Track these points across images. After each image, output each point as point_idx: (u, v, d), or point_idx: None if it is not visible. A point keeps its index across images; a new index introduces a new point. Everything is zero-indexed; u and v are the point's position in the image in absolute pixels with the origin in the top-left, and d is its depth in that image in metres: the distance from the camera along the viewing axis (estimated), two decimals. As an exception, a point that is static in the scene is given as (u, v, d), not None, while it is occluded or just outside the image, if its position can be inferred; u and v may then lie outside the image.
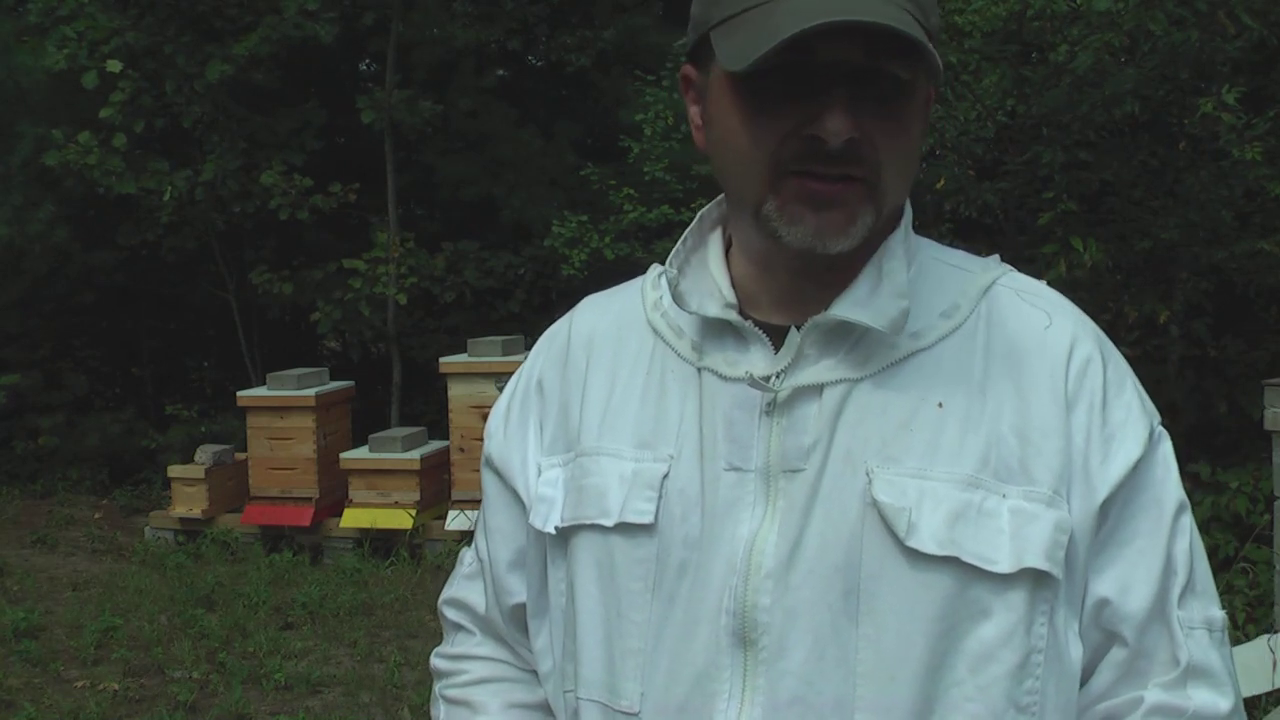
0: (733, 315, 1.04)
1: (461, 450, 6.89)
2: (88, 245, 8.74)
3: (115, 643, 5.33)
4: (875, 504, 0.96)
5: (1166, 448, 1.04)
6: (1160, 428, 1.05)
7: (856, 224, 0.97)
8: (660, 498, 1.02)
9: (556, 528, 1.08)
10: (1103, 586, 1.00)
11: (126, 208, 8.53)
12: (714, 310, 1.05)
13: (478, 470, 5.95)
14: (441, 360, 7.01)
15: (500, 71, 9.70)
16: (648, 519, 1.02)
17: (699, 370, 1.05)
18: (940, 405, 0.98)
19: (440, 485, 7.10)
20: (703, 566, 1.00)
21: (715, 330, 1.06)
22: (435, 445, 7.15)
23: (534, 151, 8.95)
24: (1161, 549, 1.01)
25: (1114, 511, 1.00)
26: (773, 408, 1.00)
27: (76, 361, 9.58)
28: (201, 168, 8.26)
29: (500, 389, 6.99)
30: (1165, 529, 1.01)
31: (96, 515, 7.98)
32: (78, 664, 5.13)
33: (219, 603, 5.90)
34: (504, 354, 6.84)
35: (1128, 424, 1.01)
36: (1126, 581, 1.00)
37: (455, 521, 6.78)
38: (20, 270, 8.56)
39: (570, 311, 1.22)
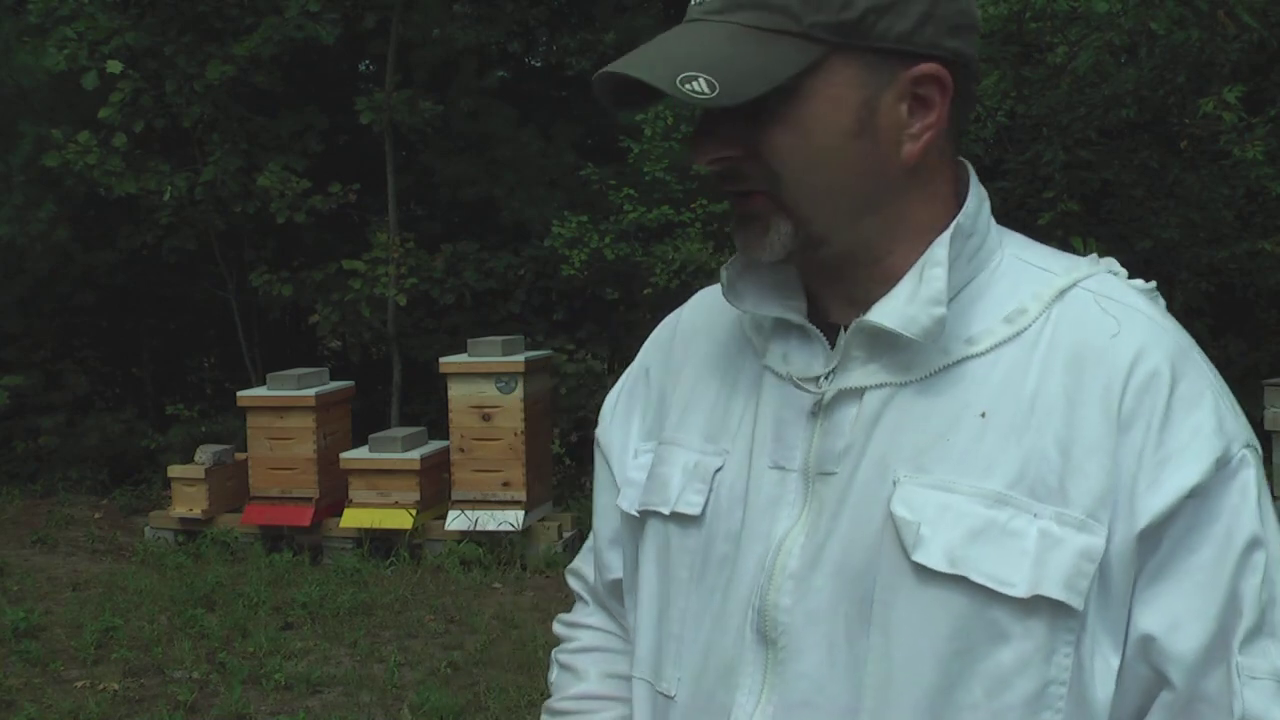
0: (788, 313, 1.04)
1: (461, 450, 6.88)
2: (88, 245, 8.75)
3: (115, 643, 5.33)
4: (890, 515, 0.95)
5: (1248, 476, 0.94)
6: (1244, 452, 0.94)
7: (770, 234, 0.98)
8: (711, 491, 1.05)
9: (636, 511, 1.13)
10: (1148, 621, 0.92)
11: (127, 208, 8.54)
12: (772, 309, 1.05)
13: (478, 470, 6.06)
14: (441, 360, 7.01)
15: (500, 72, 9.71)
16: (695, 510, 1.06)
17: (764, 367, 1.07)
18: (983, 415, 0.95)
19: (440, 485, 7.10)
20: (738, 562, 1.02)
21: (782, 327, 1.06)
22: (435, 445, 7.15)
23: (534, 152, 8.95)
24: (1223, 586, 0.92)
25: (1168, 541, 0.92)
26: (819, 409, 1.01)
27: (77, 361, 9.58)
28: (202, 168, 8.27)
29: (500, 389, 7.01)
30: (1230, 564, 0.92)
31: (96, 515, 7.98)
32: (78, 664, 5.13)
33: (219, 603, 5.90)
34: (504, 354, 6.84)
35: (1189, 448, 0.92)
36: (1176, 618, 0.92)
37: (455, 521, 6.78)
38: (21, 270, 8.57)
39: (686, 303, 1.24)
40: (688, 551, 1.07)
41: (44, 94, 8.41)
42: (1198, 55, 5.25)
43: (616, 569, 1.21)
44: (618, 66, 0.94)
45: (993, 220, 1.04)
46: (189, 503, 7.17)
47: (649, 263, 7.87)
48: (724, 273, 1.07)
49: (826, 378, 1.01)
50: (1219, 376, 0.98)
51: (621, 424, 1.21)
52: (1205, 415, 0.94)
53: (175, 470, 7.29)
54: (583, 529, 7.22)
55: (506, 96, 9.21)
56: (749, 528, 1.02)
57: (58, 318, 9.39)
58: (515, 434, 6.80)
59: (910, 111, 0.96)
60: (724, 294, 1.07)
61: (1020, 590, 0.91)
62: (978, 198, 1.02)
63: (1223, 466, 0.92)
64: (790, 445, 1.02)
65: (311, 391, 7.11)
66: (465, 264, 8.75)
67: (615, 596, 1.23)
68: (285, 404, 7.09)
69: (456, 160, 8.97)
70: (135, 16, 8.18)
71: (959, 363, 0.97)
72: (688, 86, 0.91)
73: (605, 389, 8.68)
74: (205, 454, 7.30)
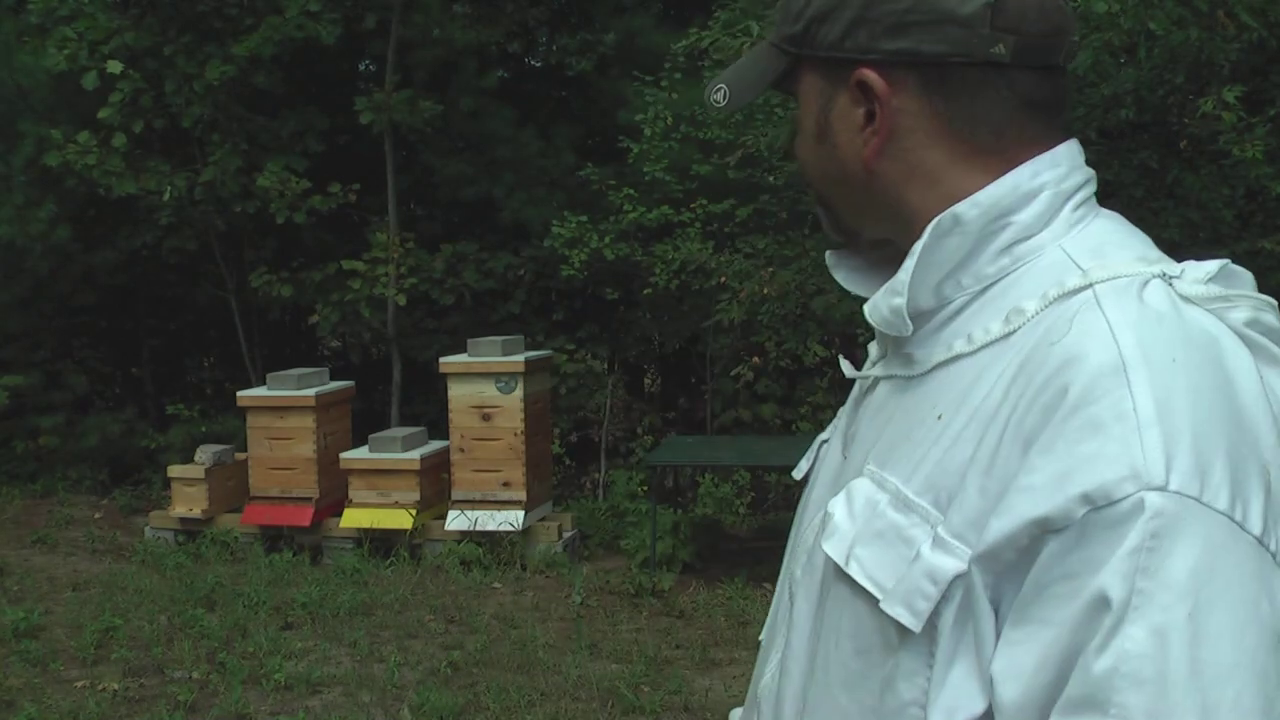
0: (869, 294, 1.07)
1: (461, 450, 6.89)
2: (88, 245, 8.75)
3: (115, 643, 5.33)
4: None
5: (1135, 525, 0.78)
6: (1148, 496, 0.78)
7: (821, 217, 1.09)
8: (816, 460, 1.15)
9: None
10: (996, 663, 0.83)
11: (127, 208, 8.54)
12: (859, 288, 1.08)
13: (478, 470, 6.08)
14: (441, 360, 7.01)
15: (501, 72, 9.71)
16: (799, 475, 1.17)
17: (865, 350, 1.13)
18: (939, 417, 0.92)
19: (440, 485, 7.10)
20: (800, 529, 1.10)
21: None
22: (435, 445, 7.16)
23: (533, 152, 8.95)
24: (1062, 645, 0.79)
25: (1033, 581, 0.81)
26: (861, 394, 1.08)
27: (77, 361, 9.59)
28: (202, 168, 8.27)
29: (500, 389, 7.04)
30: (1072, 622, 0.79)
31: (96, 515, 7.99)
32: (78, 664, 5.13)
33: (219, 603, 5.90)
34: (504, 354, 6.84)
35: (1061, 476, 0.80)
36: (1016, 667, 0.81)
37: (455, 521, 6.78)
38: (21, 270, 8.57)
39: None
40: (796, 513, 1.16)
41: (44, 94, 8.42)
42: (1197, 55, 5.25)
43: None
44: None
45: (1066, 212, 0.96)
46: (189, 503, 7.18)
47: (649, 263, 7.87)
48: (829, 253, 1.12)
49: (876, 365, 1.05)
50: (1195, 412, 0.81)
51: None
52: (1105, 444, 0.80)
53: (175, 470, 7.29)
54: (583, 529, 7.23)
55: (506, 96, 9.21)
56: (813, 499, 1.10)
57: (58, 318, 9.39)
58: (515, 434, 6.80)
59: (866, 116, 0.98)
60: (831, 271, 1.13)
61: (882, 600, 0.88)
62: (1014, 188, 0.95)
63: (1101, 506, 0.78)
64: (848, 428, 1.09)
65: (311, 391, 7.11)
66: (465, 264, 8.75)
67: None
68: (285, 404, 7.09)
69: (456, 160, 8.97)
70: (135, 16, 8.18)
71: (952, 360, 0.95)
72: (713, 97, 1.08)
73: (605, 389, 8.71)
74: (205, 454, 7.31)
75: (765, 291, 6.93)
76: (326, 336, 9.64)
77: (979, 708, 0.84)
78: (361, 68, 9.86)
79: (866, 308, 0.99)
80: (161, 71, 8.14)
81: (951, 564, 0.85)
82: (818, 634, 0.98)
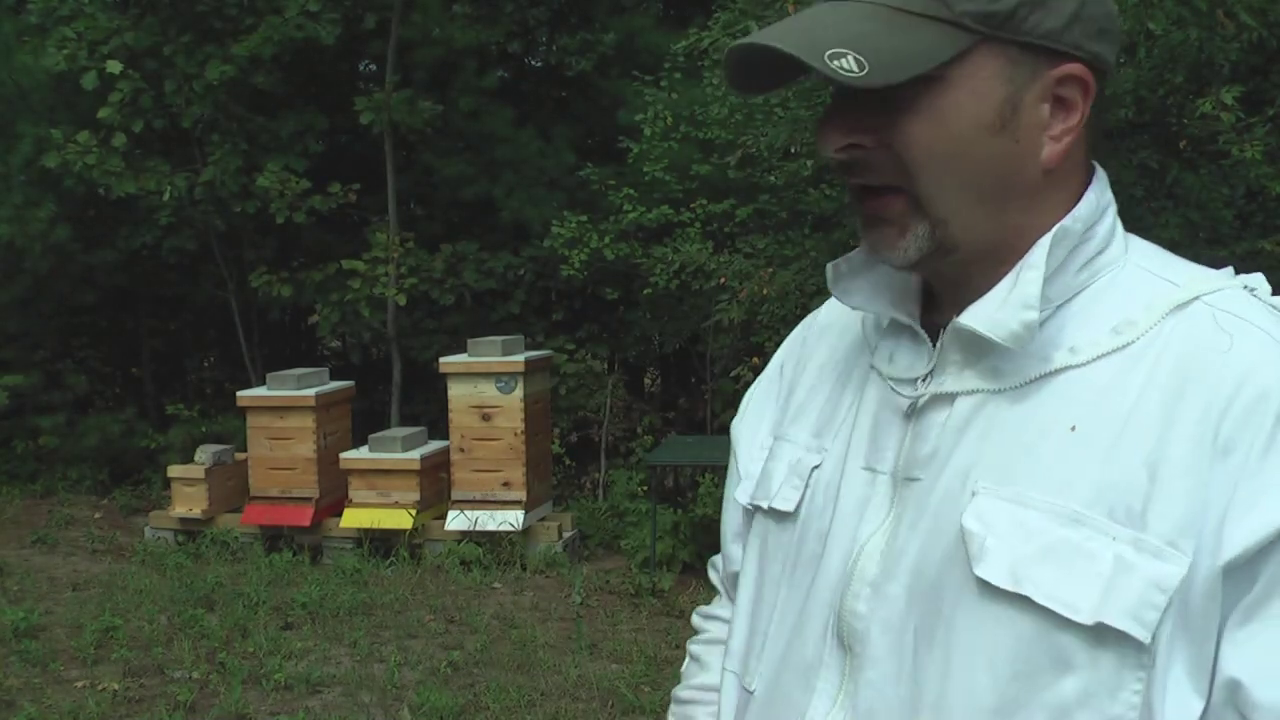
0: (897, 313, 1.02)
1: (461, 450, 6.89)
2: (88, 245, 8.76)
3: (115, 643, 5.33)
4: (961, 527, 0.92)
5: None
6: None
7: (907, 237, 0.95)
8: (807, 488, 1.06)
9: (747, 504, 1.14)
10: (1236, 665, 0.86)
11: (127, 208, 8.55)
12: (881, 308, 1.04)
13: (477, 470, 6.07)
14: (441, 360, 7.01)
15: (501, 72, 9.71)
16: (790, 506, 1.06)
17: (870, 366, 1.05)
18: (1073, 429, 0.91)
19: (440, 485, 7.10)
20: (824, 562, 1.02)
21: (895, 326, 1.04)
22: (435, 445, 7.16)
23: (533, 152, 8.96)
24: None
25: (1265, 579, 0.85)
26: (912, 412, 0.99)
27: (76, 361, 9.60)
28: (202, 168, 8.28)
29: (500, 389, 7.00)
30: None
31: (96, 515, 7.99)
32: (78, 664, 5.13)
33: (219, 603, 5.90)
34: (504, 354, 6.85)
35: None
36: (1267, 666, 0.85)
37: (455, 521, 6.78)
38: (21, 270, 8.58)
39: (827, 300, 1.20)
40: (781, 547, 1.07)
41: (44, 94, 8.42)
42: (1197, 55, 5.25)
43: (737, 561, 1.19)
44: (761, 38, 0.89)
45: (1119, 228, 0.99)
46: (189, 503, 7.18)
47: (649, 263, 7.87)
48: (830, 269, 1.05)
49: (925, 380, 0.99)
50: None
51: (754, 418, 1.19)
52: None
53: (175, 470, 7.30)
54: (582, 529, 7.23)
55: (506, 96, 9.21)
56: (836, 528, 1.01)
57: (58, 318, 9.39)
58: (515, 434, 6.80)
59: (1052, 112, 0.93)
60: (831, 289, 1.05)
61: (1084, 616, 0.86)
62: (1096, 203, 0.97)
63: None
64: (883, 447, 1.00)
65: (311, 391, 7.12)
66: (465, 264, 8.76)
67: (736, 588, 1.22)
68: (285, 404, 7.10)
69: (456, 160, 8.97)
70: (135, 16, 8.19)
71: (1057, 372, 0.93)
72: (835, 63, 0.87)
73: (605, 389, 8.71)
74: (205, 454, 7.31)
75: (765, 292, 6.92)
76: (326, 336, 9.64)
77: (1197, 708, 0.87)
78: (361, 68, 9.87)
79: (984, 325, 0.93)
80: (161, 71, 8.14)
81: (1174, 570, 0.85)
82: (924, 666, 0.93)
